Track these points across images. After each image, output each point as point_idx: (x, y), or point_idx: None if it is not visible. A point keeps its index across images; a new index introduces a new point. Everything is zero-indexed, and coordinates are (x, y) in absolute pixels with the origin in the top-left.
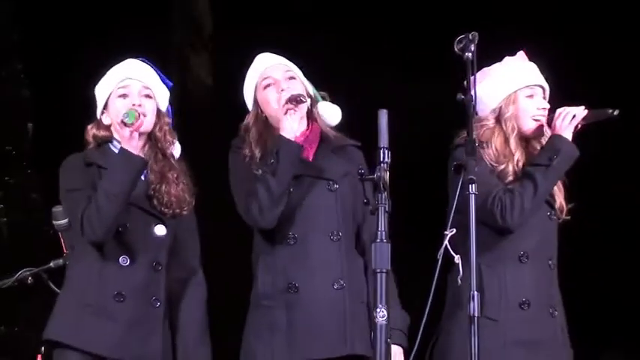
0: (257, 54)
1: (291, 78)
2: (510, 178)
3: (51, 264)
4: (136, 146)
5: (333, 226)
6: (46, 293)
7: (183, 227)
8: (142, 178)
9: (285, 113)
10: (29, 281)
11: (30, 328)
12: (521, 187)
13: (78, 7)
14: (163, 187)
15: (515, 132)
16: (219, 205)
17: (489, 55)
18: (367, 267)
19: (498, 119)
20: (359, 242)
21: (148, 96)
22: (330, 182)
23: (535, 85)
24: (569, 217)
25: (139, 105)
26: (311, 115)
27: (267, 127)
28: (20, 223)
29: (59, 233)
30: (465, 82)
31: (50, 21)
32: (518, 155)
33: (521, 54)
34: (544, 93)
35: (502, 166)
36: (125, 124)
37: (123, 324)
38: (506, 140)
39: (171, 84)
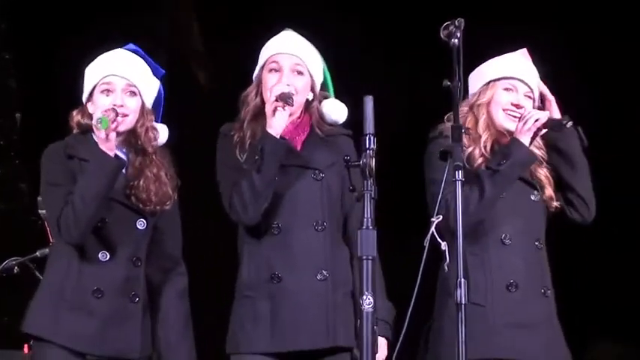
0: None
1: (298, 72)
2: (479, 161)
3: (37, 253)
4: (111, 147)
5: (318, 216)
6: (33, 283)
7: (165, 217)
8: (123, 172)
9: (274, 110)
10: (15, 270)
11: (18, 318)
12: (469, 191)
13: None
14: (141, 182)
15: (484, 117)
16: (207, 194)
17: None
18: (353, 256)
19: (472, 105)
20: (346, 230)
21: (132, 93)
22: (316, 172)
23: (519, 81)
24: (558, 204)
25: (121, 105)
26: (308, 107)
27: (262, 107)
28: (7, 213)
29: (45, 223)
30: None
31: (38, 11)
32: (485, 138)
33: (522, 51)
34: (531, 93)
35: (469, 150)
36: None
37: (101, 320)
38: (476, 124)
39: (163, 71)
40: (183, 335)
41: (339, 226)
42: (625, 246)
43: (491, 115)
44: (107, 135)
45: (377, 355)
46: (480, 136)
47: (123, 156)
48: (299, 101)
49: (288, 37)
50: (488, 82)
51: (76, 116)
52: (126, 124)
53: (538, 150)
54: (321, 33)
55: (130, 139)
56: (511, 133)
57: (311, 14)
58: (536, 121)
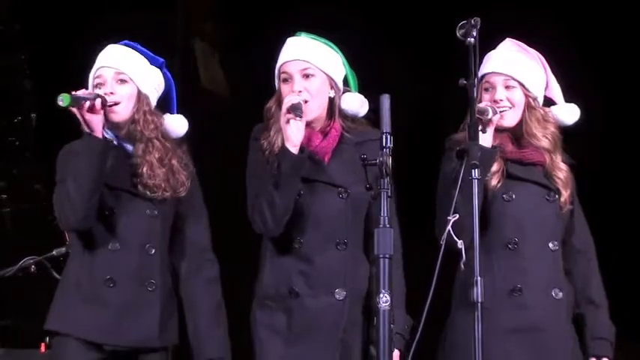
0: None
1: (309, 75)
2: None
3: (54, 252)
4: (95, 129)
5: (341, 236)
6: (50, 282)
7: (185, 204)
8: (130, 162)
9: (287, 122)
10: (32, 269)
11: (34, 318)
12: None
13: None
14: (146, 169)
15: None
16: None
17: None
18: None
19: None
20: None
21: (122, 81)
22: (341, 189)
23: (494, 75)
24: (572, 207)
25: (111, 93)
26: (332, 110)
27: None
28: (24, 213)
29: None
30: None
31: (52, 12)
32: None
33: (505, 42)
34: (512, 81)
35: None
36: (64, 108)
37: (116, 309)
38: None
39: (162, 60)
40: (213, 323)
41: (360, 240)
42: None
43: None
44: (82, 117)
45: None
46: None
47: (129, 147)
48: (318, 104)
49: (293, 44)
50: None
51: None
52: (121, 113)
53: (546, 145)
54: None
55: (132, 129)
56: (508, 129)
57: (330, 19)
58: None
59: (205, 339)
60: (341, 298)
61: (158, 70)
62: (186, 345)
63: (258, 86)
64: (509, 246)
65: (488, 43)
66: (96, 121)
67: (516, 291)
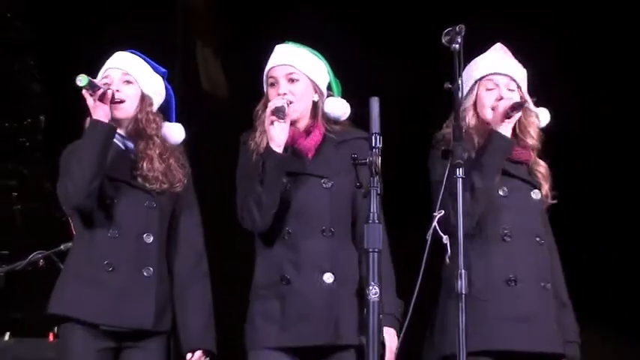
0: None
1: (293, 80)
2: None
3: (61, 247)
4: (104, 115)
5: (326, 223)
6: (57, 275)
7: (181, 204)
8: (132, 157)
9: (271, 124)
10: (41, 263)
11: (43, 310)
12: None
13: (86, 5)
14: (145, 164)
15: (474, 119)
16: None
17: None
18: (361, 255)
19: (465, 108)
20: (355, 232)
21: (128, 82)
22: (325, 180)
23: (498, 75)
24: (555, 202)
25: (117, 90)
26: (316, 113)
27: None
28: (34, 210)
29: (69, 218)
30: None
31: (59, 19)
32: (477, 139)
33: (498, 45)
34: (513, 84)
35: (467, 154)
36: (85, 89)
37: (113, 292)
38: (468, 126)
39: (164, 70)
40: (203, 316)
41: (347, 230)
42: (599, 234)
43: (481, 116)
44: (95, 101)
45: (387, 346)
46: (473, 138)
47: (130, 145)
48: (302, 106)
49: (280, 50)
50: (474, 84)
51: (88, 121)
52: (125, 111)
53: (535, 144)
54: (327, 43)
55: (134, 127)
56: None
57: (317, 27)
58: (505, 107)
59: (194, 331)
60: (330, 282)
61: (160, 79)
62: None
63: (257, 89)
64: (505, 238)
65: (470, 47)
66: (104, 110)
67: (511, 281)
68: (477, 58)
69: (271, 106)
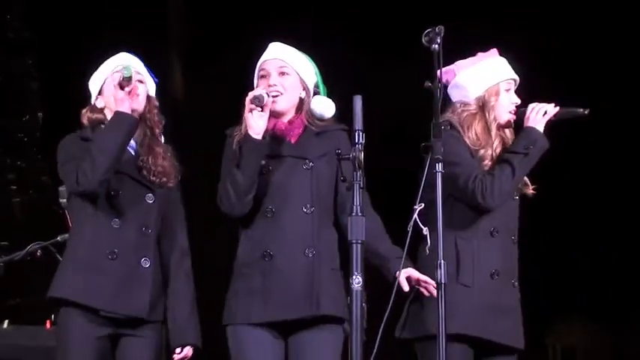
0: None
1: (284, 73)
2: (488, 162)
3: (58, 238)
4: (128, 108)
5: (307, 201)
6: (54, 265)
7: (170, 200)
8: (133, 152)
9: (250, 112)
10: (38, 254)
11: (40, 298)
12: (500, 171)
13: (82, 7)
14: (150, 158)
15: (496, 121)
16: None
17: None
18: (342, 238)
19: (482, 107)
20: (338, 217)
21: (140, 81)
22: (306, 161)
23: (512, 80)
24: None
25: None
26: (301, 109)
27: None
28: (31, 203)
29: (65, 211)
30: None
31: (57, 21)
32: (497, 142)
33: (494, 50)
34: (515, 86)
35: (482, 151)
36: (124, 80)
37: (115, 279)
38: (488, 127)
39: (157, 80)
40: (191, 313)
41: (328, 211)
42: (580, 225)
43: (498, 117)
44: (125, 94)
45: (415, 276)
46: (493, 141)
47: (133, 143)
48: (289, 100)
49: (273, 46)
50: (491, 85)
51: (85, 113)
52: (138, 103)
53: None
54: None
55: (141, 123)
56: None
57: (303, 29)
58: (546, 112)
59: (184, 327)
60: (311, 256)
61: (154, 84)
62: (204, 346)
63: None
64: (493, 234)
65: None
66: (129, 104)
67: (495, 274)
68: (491, 58)
69: (250, 95)
